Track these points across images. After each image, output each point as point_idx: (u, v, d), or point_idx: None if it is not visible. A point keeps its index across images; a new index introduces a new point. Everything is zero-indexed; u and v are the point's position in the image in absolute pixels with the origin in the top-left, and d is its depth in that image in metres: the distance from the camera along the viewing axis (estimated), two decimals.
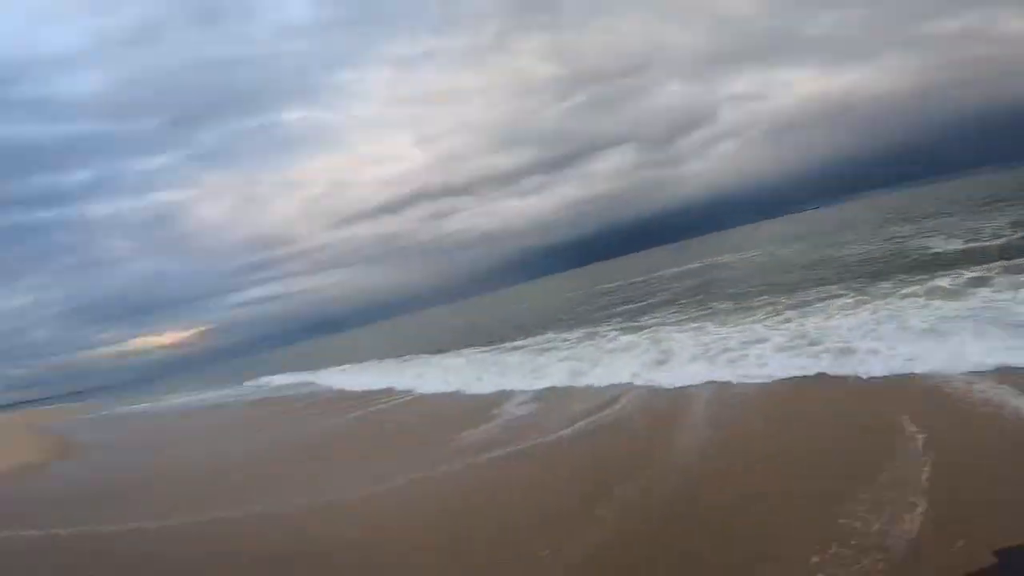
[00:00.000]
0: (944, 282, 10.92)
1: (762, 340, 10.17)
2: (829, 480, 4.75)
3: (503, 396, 11.90)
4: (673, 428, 7.15)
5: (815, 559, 3.59)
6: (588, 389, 10.66)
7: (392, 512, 6.63)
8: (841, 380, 7.58)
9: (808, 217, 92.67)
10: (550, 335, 18.58)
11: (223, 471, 10.83)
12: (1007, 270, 10.75)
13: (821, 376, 7.91)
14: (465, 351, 20.77)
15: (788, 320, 11.41)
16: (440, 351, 23.03)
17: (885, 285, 12.40)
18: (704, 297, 18.91)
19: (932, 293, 10.43)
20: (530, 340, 18.82)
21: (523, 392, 11.79)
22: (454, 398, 13.62)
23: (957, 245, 16.49)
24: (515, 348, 18.02)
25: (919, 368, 7.04)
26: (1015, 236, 15.65)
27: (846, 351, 8.20)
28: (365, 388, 18.84)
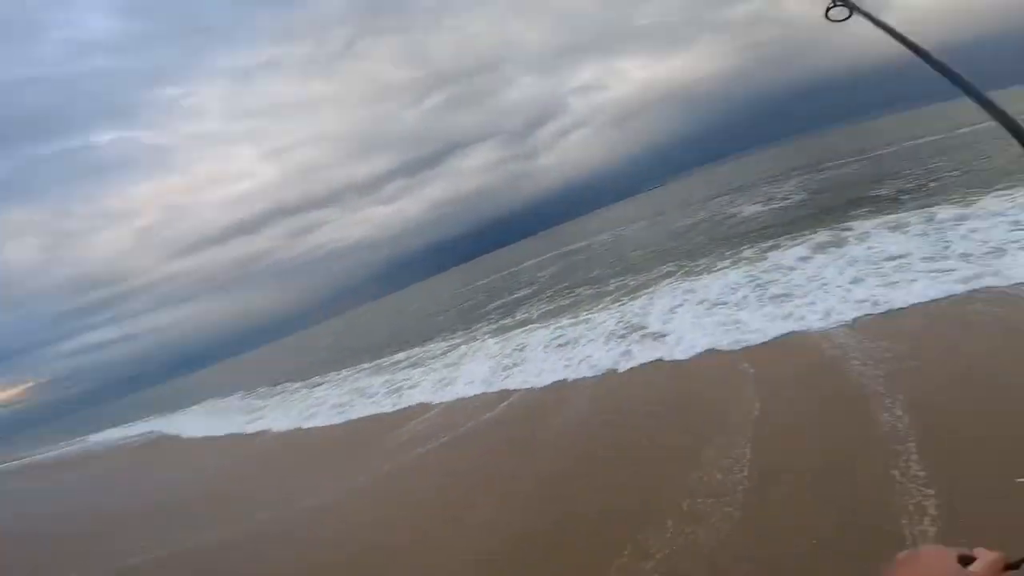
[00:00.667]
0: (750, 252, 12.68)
1: (594, 330, 10.81)
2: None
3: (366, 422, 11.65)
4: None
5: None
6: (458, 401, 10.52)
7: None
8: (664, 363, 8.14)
9: (651, 196, 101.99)
10: (430, 346, 18.28)
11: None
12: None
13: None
14: (331, 376, 19.99)
15: (623, 304, 12.44)
16: (311, 375, 22.21)
17: (703, 261, 14.01)
18: (558, 289, 20.00)
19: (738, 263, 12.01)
20: (396, 357, 18.57)
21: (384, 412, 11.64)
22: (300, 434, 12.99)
23: (759, 208, 21.20)
24: (382, 367, 17.71)
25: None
26: (797, 199, 19.99)
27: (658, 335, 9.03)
28: (219, 433, 17.24)
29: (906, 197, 13.01)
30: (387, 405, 11.94)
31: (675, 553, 3.76)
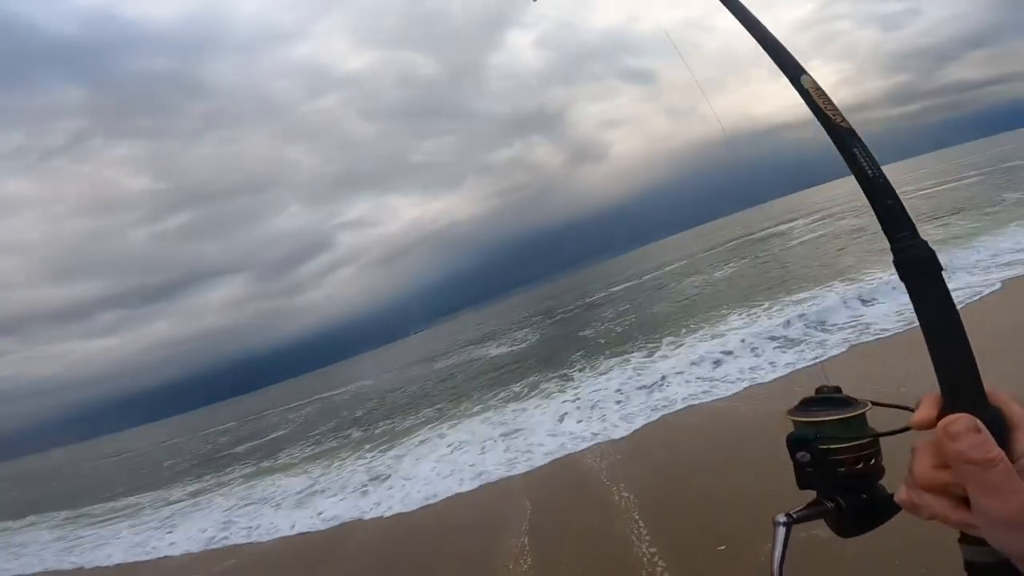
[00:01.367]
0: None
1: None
2: None
3: None
4: None
5: None
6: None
7: None
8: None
9: (414, 340, 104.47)
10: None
11: None
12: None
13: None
14: None
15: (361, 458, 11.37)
16: None
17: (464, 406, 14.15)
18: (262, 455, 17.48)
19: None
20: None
21: None
22: None
23: (504, 350, 23.51)
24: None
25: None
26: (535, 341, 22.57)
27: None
28: None
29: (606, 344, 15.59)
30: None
31: None
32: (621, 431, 7.57)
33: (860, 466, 0.74)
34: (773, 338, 9.26)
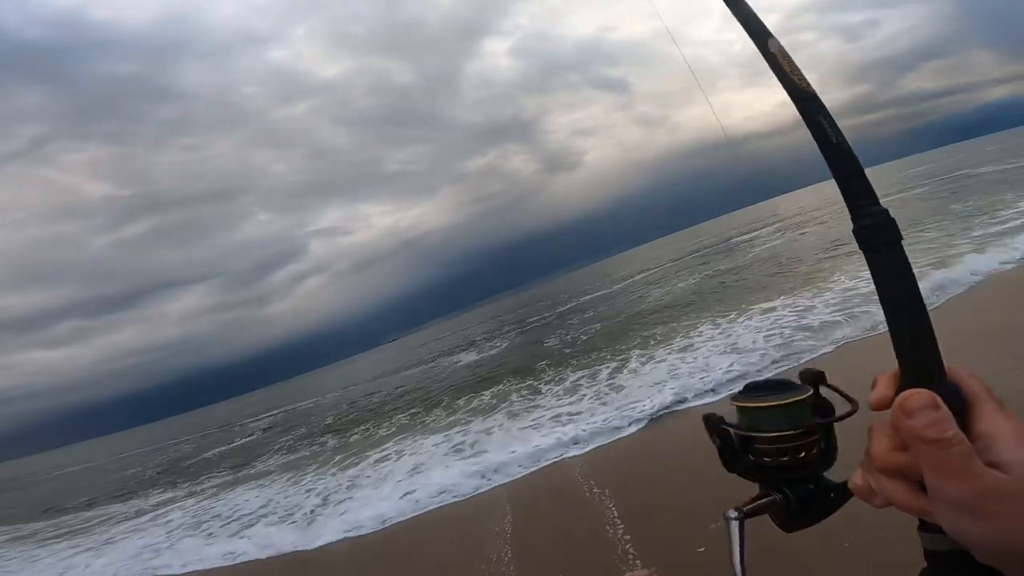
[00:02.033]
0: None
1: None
2: None
3: None
4: None
5: None
6: None
7: None
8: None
9: (387, 349, 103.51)
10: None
11: None
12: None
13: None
14: None
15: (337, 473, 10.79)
16: None
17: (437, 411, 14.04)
18: (232, 464, 16.94)
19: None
20: None
21: None
22: None
23: (474, 357, 24.11)
24: None
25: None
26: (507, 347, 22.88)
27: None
28: None
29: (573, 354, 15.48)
30: None
31: None
32: (601, 438, 7.45)
33: (802, 455, 0.70)
34: (761, 337, 9.38)
